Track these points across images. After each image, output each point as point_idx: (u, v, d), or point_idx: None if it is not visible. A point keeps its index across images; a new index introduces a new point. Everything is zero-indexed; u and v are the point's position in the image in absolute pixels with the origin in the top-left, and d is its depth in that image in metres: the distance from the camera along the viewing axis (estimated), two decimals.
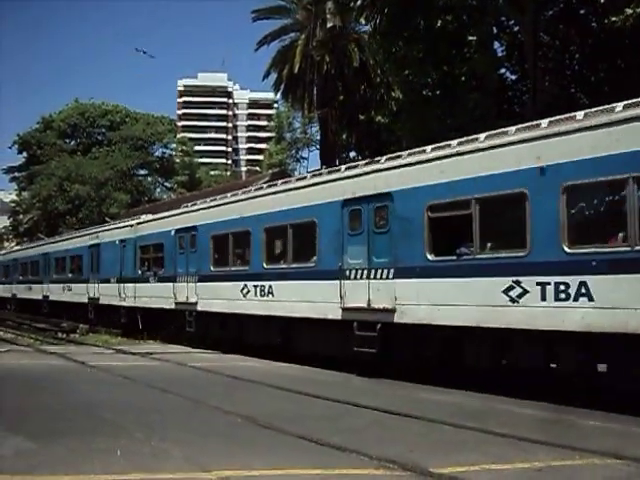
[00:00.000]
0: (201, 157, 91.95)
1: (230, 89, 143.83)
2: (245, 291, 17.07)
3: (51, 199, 59.38)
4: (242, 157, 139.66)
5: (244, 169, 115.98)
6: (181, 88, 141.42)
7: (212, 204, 19.80)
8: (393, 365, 13.13)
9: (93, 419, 9.11)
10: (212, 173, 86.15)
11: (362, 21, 31.24)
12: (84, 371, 14.75)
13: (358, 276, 13.48)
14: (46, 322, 30.83)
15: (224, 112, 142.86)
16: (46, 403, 10.42)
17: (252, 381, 12.97)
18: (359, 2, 27.76)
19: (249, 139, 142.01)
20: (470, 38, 21.95)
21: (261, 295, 16.47)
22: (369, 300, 13.10)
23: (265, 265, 16.49)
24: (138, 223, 24.45)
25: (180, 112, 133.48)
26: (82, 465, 6.59)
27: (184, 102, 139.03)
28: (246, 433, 8.32)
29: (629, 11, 16.61)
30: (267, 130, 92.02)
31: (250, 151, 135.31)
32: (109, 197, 58.74)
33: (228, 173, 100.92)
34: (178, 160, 72.61)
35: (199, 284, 19.37)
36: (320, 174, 15.84)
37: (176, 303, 20.57)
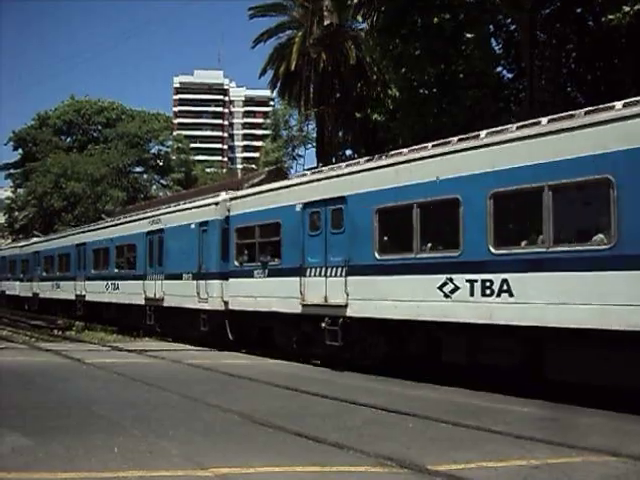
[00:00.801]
0: (197, 154, 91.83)
1: (226, 86, 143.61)
2: (448, 288, 11.60)
3: (47, 196, 59.30)
4: (238, 155, 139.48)
5: (240, 167, 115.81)
6: (177, 85, 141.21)
7: (377, 164, 13.80)
8: None
9: (89, 416, 9.08)
10: (208, 170, 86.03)
11: (359, 18, 31.20)
12: (80, 368, 14.69)
13: None
14: (42, 319, 30.55)
15: (220, 109, 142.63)
16: (42, 400, 10.38)
17: (249, 378, 12.96)
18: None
19: (245, 137, 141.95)
20: (468, 36, 21.95)
21: (484, 294, 11.05)
22: None
23: (493, 249, 10.99)
24: (233, 198, 18.55)
25: (176, 109, 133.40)
26: (79, 462, 6.58)
27: (180, 99, 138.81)
28: (244, 430, 8.31)
29: (627, 9, 16.60)
30: (263, 128, 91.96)
31: (246, 149, 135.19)
32: (105, 194, 58.63)
33: (224, 170, 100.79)
34: (174, 157, 72.49)
35: (351, 279, 13.69)
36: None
37: (305, 305, 14.92)
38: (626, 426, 8.52)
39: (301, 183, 16.02)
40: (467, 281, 11.34)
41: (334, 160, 31.78)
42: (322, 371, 14.34)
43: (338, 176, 14.70)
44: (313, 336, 15.08)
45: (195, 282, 19.38)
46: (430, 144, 12.91)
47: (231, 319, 18.12)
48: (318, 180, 15.37)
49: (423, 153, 12.66)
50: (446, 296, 11.67)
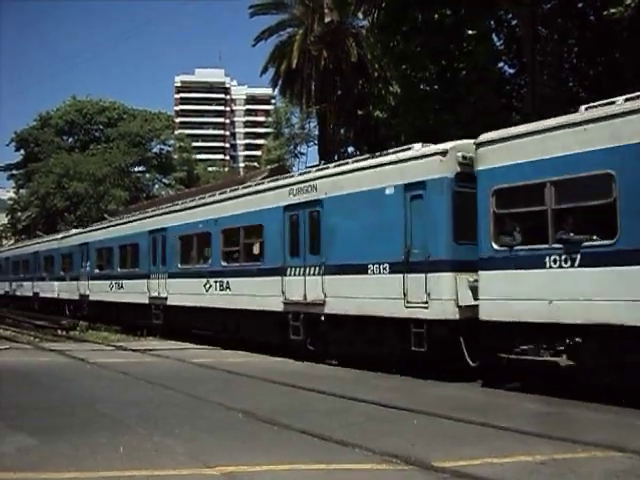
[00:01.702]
0: (199, 153, 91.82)
1: (227, 85, 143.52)
2: None
3: (49, 196, 59.44)
4: (240, 153, 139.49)
5: (242, 165, 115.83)
6: (178, 84, 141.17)
7: None
8: None
9: (94, 415, 9.10)
10: (210, 169, 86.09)
11: (360, 16, 31.27)
12: (84, 368, 14.73)
13: None
14: (45, 319, 30.40)
15: (222, 108, 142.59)
16: (47, 400, 10.41)
17: (252, 376, 12.95)
18: None
19: (247, 135, 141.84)
20: (469, 32, 21.94)
21: None
22: None
23: None
24: (482, 143, 11.45)
25: (177, 108, 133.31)
26: (85, 461, 6.59)
27: (181, 98, 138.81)
28: (248, 429, 8.32)
29: (628, 1, 16.51)
30: (265, 126, 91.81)
31: (248, 147, 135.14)
32: (107, 194, 58.68)
33: (226, 169, 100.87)
34: (176, 156, 72.51)
35: None
36: None
37: None
38: (632, 421, 8.49)
39: None
40: None
41: (336, 157, 31.75)
42: (324, 368, 14.31)
43: None
44: None
45: (399, 277, 12.87)
46: None
47: (468, 334, 11.64)
48: None
49: None
50: None
